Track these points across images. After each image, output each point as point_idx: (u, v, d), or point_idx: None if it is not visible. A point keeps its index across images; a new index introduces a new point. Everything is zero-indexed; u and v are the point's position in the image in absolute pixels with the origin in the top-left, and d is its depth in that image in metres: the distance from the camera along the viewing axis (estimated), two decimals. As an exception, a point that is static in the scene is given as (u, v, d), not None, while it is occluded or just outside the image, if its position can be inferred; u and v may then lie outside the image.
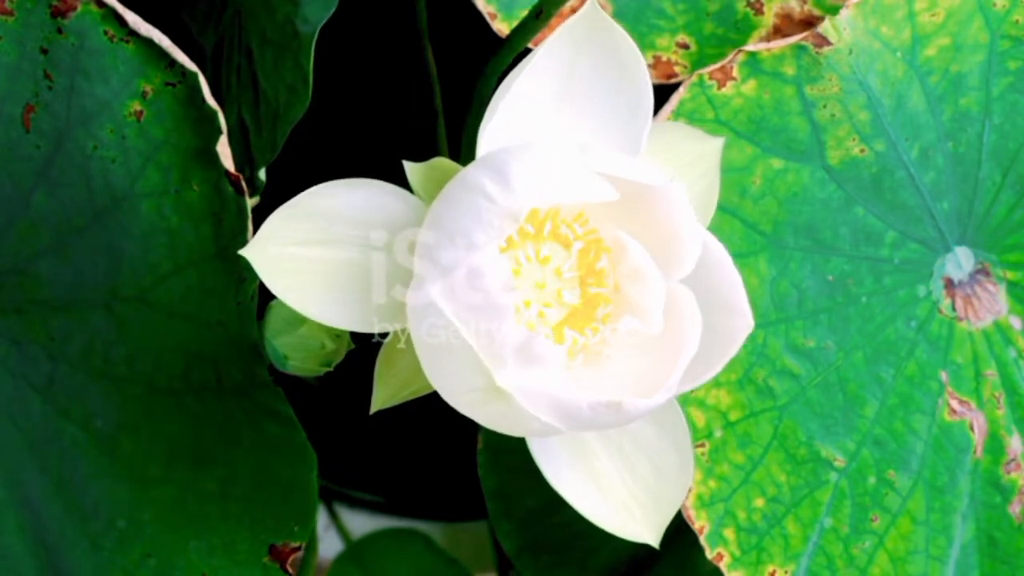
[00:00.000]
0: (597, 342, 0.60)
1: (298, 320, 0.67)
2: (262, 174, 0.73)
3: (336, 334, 0.68)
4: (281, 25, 0.71)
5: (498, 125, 0.59)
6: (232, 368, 0.71)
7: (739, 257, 0.70)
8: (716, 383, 0.71)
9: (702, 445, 0.71)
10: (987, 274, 0.75)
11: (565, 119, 0.61)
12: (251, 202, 0.70)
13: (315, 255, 0.61)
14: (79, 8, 0.68)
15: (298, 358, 0.69)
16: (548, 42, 0.59)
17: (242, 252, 0.60)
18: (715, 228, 0.68)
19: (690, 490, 0.71)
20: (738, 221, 0.71)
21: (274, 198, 0.65)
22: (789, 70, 0.71)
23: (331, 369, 0.70)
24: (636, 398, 0.57)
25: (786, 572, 0.71)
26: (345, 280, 0.61)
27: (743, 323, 0.60)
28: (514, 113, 0.59)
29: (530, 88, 0.60)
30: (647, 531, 0.63)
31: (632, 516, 0.63)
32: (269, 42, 0.72)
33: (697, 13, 0.74)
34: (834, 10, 0.72)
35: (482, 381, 0.56)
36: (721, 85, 0.71)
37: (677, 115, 0.71)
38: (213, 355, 0.71)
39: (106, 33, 0.68)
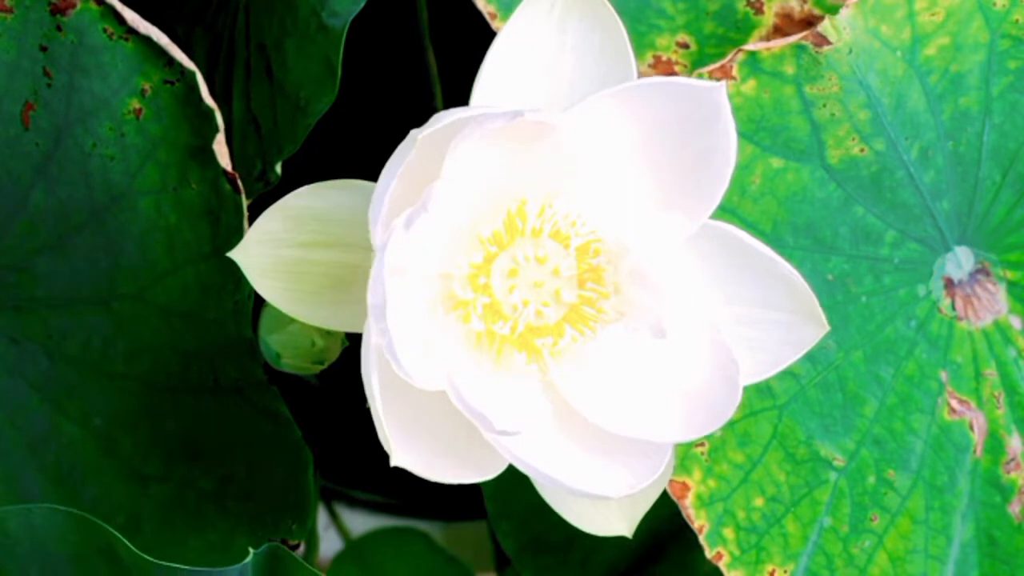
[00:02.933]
0: (597, 346, 0.60)
1: (288, 317, 0.67)
2: (278, 168, 0.73)
3: (326, 331, 0.68)
4: (304, 18, 0.71)
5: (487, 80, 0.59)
6: (229, 367, 0.71)
7: (738, 256, 0.70)
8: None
9: (701, 444, 0.71)
10: (987, 274, 0.75)
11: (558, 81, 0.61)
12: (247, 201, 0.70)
13: (301, 256, 0.61)
14: (78, 6, 0.68)
15: (290, 356, 0.69)
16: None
17: (231, 255, 0.61)
18: (714, 227, 0.68)
19: (689, 489, 0.70)
20: (737, 220, 0.71)
21: (271, 197, 0.66)
22: (789, 69, 0.71)
23: (324, 367, 0.70)
24: (627, 486, 0.58)
25: (785, 571, 0.71)
26: (328, 280, 0.61)
27: (815, 328, 0.61)
28: (503, 70, 0.60)
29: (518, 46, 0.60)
30: (621, 524, 0.62)
31: (609, 510, 0.63)
32: (289, 35, 0.71)
33: (697, 12, 0.74)
34: (834, 9, 0.72)
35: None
36: (721, 84, 0.71)
37: (677, 114, 0.71)
38: (210, 354, 0.71)
39: (105, 31, 0.68)
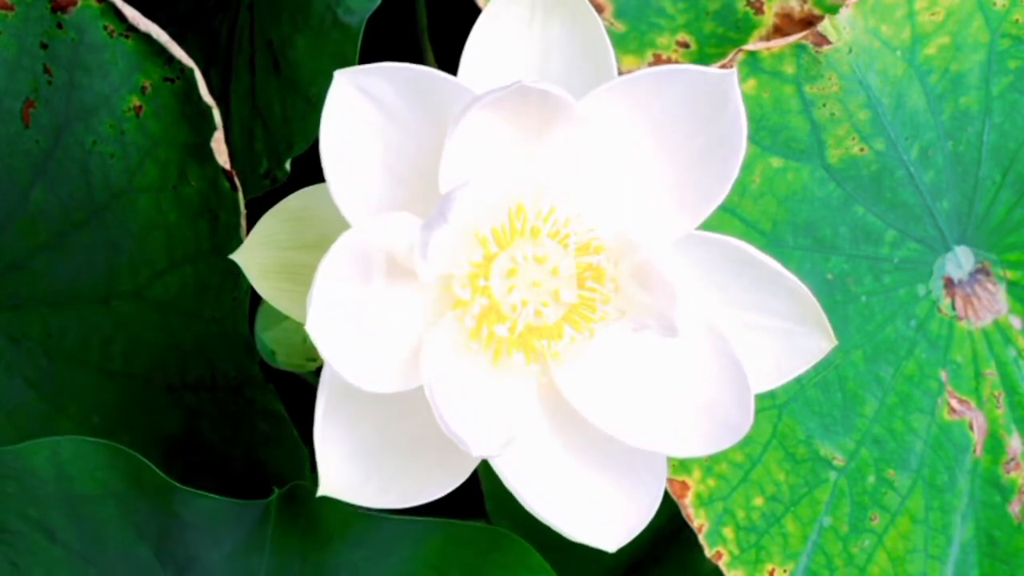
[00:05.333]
0: (600, 347, 0.59)
1: (282, 314, 0.67)
2: (288, 165, 0.72)
3: None
4: (318, 15, 0.71)
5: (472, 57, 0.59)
6: (227, 365, 0.71)
7: (738, 255, 0.70)
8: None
9: (700, 444, 0.71)
10: (987, 273, 0.75)
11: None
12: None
13: (303, 260, 0.61)
14: (79, 3, 0.68)
15: (284, 352, 0.69)
16: None
17: (233, 257, 0.60)
18: (714, 227, 0.67)
19: (689, 488, 0.70)
20: (737, 220, 0.71)
21: (277, 193, 0.65)
22: (789, 69, 0.71)
23: (318, 364, 0.69)
24: (626, 526, 0.58)
25: (785, 571, 0.71)
26: None
27: (821, 340, 0.61)
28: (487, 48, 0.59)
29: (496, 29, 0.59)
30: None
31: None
32: (300, 32, 0.71)
33: (697, 12, 0.74)
34: (834, 9, 0.72)
35: None
36: (720, 83, 0.71)
37: (677, 113, 0.71)
38: (209, 352, 0.71)
39: (105, 28, 0.68)
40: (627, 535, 0.59)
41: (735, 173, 0.58)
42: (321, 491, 0.58)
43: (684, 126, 0.58)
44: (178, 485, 0.65)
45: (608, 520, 0.59)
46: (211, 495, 0.65)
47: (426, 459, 0.58)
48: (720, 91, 0.58)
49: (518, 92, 0.55)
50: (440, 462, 0.58)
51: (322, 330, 0.55)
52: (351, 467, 0.58)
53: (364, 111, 0.56)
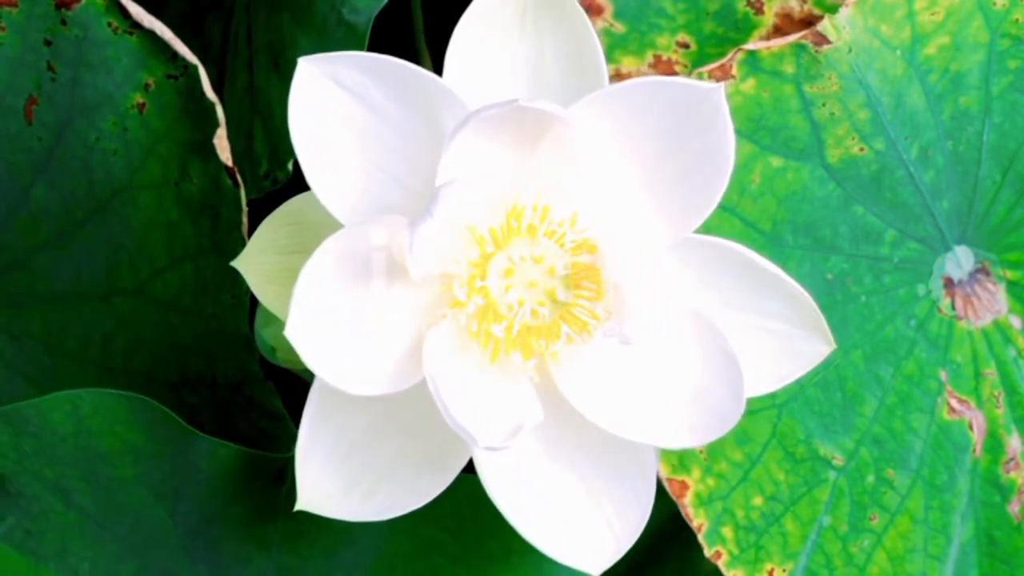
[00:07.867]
0: (596, 345, 0.59)
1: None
2: (290, 165, 0.72)
3: None
4: (322, 15, 0.71)
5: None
6: (227, 362, 0.71)
7: (738, 255, 0.70)
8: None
9: (700, 443, 0.71)
10: (987, 273, 0.75)
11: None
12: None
13: (301, 264, 0.61)
14: (83, 0, 0.68)
15: (283, 349, 0.69)
16: None
17: (234, 264, 0.60)
18: (714, 226, 0.68)
19: (688, 488, 0.70)
20: (737, 219, 0.71)
21: (272, 199, 0.65)
22: (788, 68, 0.71)
23: None
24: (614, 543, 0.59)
25: (784, 570, 0.71)
26: None
27: (819, 343, 0.61)
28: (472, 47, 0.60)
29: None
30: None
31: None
32: (304, 32, 0.71)
33: (697, 12, 0.75)
34: (834, 9, 0.72)
35: None
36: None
37: (677, 113, 0.71)
38: (208, 349, 0.71)
39: (110, 25, 0.68)
40: (615, 554, 0.60)
41: (724, 184, 0.59)
42: (299, 505, 0.58)
43: (673, 137, 0.58)
44: (199, 433, 0.65)
45: (595, 538, 0.60)
46: (230, 444, 0.65)
47: (407, 471, 0.59)
48: (709, 104, 0.58)
49: (515, 111, 0.55)
50: (421, 472, 0.59)
51: (303, 336, 0.55)
52: (332, 480, 0.59)
53: (338, 102, 0.56)
